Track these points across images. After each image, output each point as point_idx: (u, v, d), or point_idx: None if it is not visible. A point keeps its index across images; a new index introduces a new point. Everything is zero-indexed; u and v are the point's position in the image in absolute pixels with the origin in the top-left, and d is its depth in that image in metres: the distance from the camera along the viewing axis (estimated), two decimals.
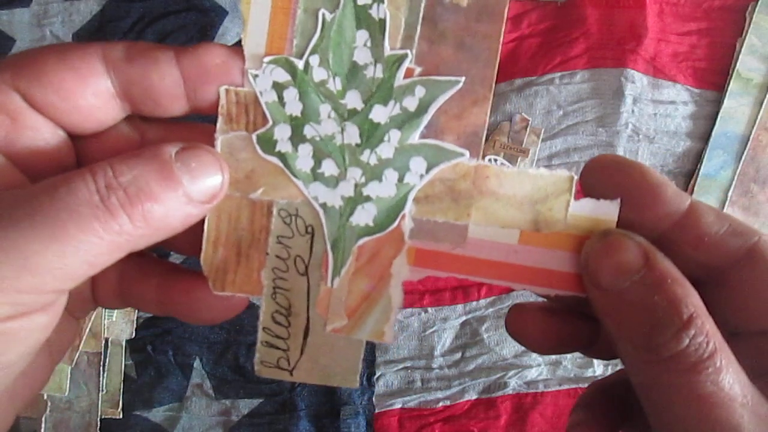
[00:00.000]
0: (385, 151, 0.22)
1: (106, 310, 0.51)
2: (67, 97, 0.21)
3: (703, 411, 0.19)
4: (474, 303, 0.52)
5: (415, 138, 0.22)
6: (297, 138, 0.22)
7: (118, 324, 0.51)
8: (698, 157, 0.52)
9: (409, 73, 0.22)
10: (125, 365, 0.51)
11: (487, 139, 0.52)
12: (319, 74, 0.22)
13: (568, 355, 0.51)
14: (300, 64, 0.22)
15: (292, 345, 0.24)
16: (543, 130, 0.52)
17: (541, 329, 0.24)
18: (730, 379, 0.19)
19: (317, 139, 0.22)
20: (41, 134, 0.21)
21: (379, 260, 0.23)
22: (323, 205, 0.23)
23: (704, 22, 0.52)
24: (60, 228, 0.18)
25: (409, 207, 0.22)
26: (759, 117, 0.51)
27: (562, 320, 0.24)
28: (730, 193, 0.51)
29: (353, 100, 0.22)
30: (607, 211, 0.22)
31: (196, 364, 0.51)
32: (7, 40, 0.51)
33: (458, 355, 0.52)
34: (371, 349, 0.51)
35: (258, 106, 0.22)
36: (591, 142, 0.52)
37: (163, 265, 0.25)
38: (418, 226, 0.23)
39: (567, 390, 0.51)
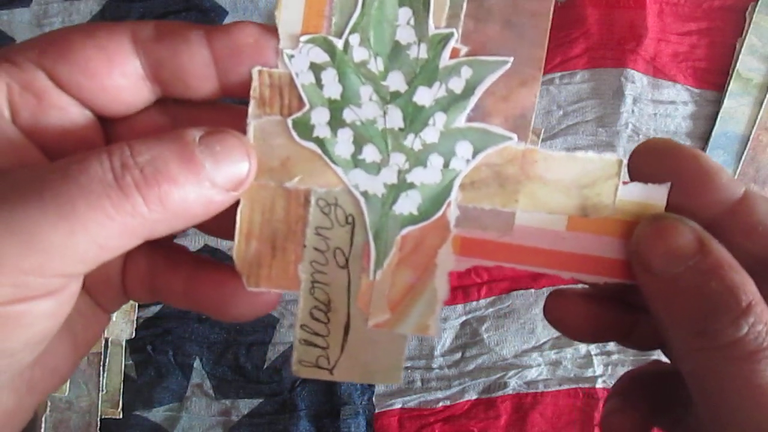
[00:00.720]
0: (430, 135, 0.21)
1: None
2: (93, 76, 0.20)
3: (760, 401, 0.18)
4: (474, 303, 0.52)
5: (461, 121, 0.21)
6: (336, 122, 0.21)
7: (118, 324, 0.51)
8: None
9: (454, 53, 0.21)
10: (125, 365, 0.51)
11: None
12: (359, 54, 0.21)
13: (568, 355, 0.51)
14: (339, 44, 0.21)
15: (331, 342, 0.23)
16: (543, 130, 0.52)
17: (581, 315, 0.23)
18: None
19: (358, 123, 0.21)
20: (68, 114, 0.21)
21: (424, 250, 0.22)
22: (364, 193, 0.22)
23: (704, 22, 0.52)
24: (69, 206, 0.17)
25: (455, 194, 0.21)
26: (759, 117, 0.51)
27: (603, 307, 0.23)
28: None
29: (396, 81, 0.21)
30: (655, 195, 0.21)
31: (196, 364, 0.51)
32: (7, 40, 0.51)
33: (458, 355, 0.52)
34: None
35: (293, 88, 0.21)
36: (591, 142, 0.52)
37: (194, 257, 0.24)
38: (463, 214, 0.22)
39: (567, 390, 0.51)
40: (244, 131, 0.21)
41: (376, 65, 0.21)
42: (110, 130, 0.22)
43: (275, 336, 0.51)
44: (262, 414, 0.51)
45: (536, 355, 0.51)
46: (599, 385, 0.51)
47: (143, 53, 0.21)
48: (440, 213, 0.22)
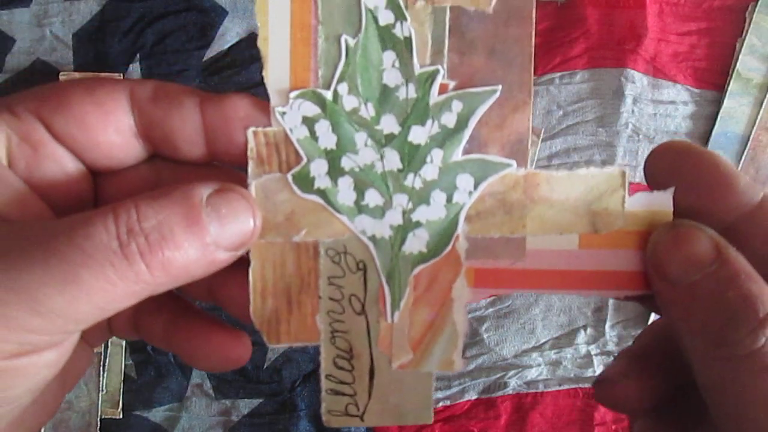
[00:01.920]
0: (429, 172, 0.21)
1: None
2: (88, 130, 0.21)
3: None
4: (474, 303, 0.52)
5: (458, 155, 0.21)
6: (335, 171, 0.22)
7: None
8: None
9: (443, 89, 0.21)
10: (125, 365, 0.51)
11: None
12: (349, 102, 0.21)
13: (568, 355, 0.51)
14: (328, 95, 0.21)
15: (358, 389, 0.23)
16: (543, 130, 0.52)
17: (633, 393, 0.23)
18: None
19: (356, 169, 0.22)
20: (62, 166, 0.21)
21: (438, 286, 0.22)
22: (372, 238, 0.22)
23: (704, 22, 0.52)
24: (73, 273, 0.18)
25: (461, 227, 0.22)
26: (759, 117, 0.51)
27: (653, 378, 0.23)
28: None
29: (389, 124, 0.21)
30: (661, 201, 0.21)
31: None
32: (7, 40, 0.51)
33: None
34: None
35: (289, 144, 0.21)
36: (591, 142, 0.52)
37: (177, 302, 0.24)
38: (473, 245, 0.22)
39: (567, 390, 0.51)
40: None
41: (368, 111, 0.21)
42: (99, 182, 0.23)
43: None
44: (262, 414, 0.51)
45: (536, 355, 0.51)
46: None
47: (138, 111, 0.21)
48: (450, 247, 0.22)
